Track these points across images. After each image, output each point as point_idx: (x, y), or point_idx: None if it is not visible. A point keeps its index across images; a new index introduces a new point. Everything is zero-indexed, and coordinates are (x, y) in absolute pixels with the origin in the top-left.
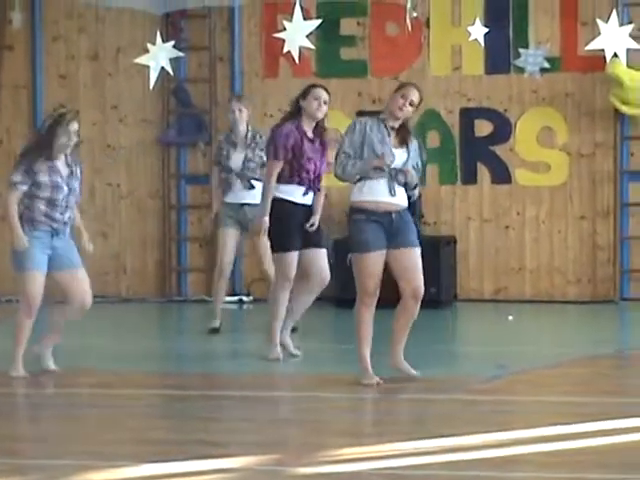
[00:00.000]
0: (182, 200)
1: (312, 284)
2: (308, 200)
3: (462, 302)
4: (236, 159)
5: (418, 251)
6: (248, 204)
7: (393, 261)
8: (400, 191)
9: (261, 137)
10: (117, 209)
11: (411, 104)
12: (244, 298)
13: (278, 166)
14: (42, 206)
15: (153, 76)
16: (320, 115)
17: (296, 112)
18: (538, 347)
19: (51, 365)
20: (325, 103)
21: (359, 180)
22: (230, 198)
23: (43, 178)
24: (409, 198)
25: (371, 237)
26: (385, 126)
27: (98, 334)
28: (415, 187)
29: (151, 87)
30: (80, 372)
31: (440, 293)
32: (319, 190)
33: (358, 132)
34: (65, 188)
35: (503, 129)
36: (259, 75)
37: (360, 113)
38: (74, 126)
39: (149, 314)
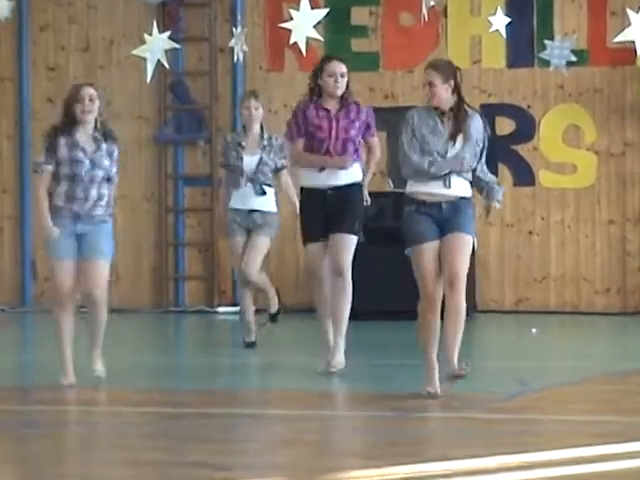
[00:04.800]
0: (180, 203)
1: (328, 275)
2: (329, 181)
3: (481, 313)
4: (249, 161)
5: (464, 237)
6: (258, 211)
7: (441, 250)
8: (456, 182)
9: (277, 140)
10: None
11: (430, 85)
12: None
13: (294, 148)
14: (64, 185)
15: (150, 69)
16: (339, 92)
17: (315, 89)
18: (562, 362)
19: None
20: (343, 76)
21: (411, 177)
22: (238, 204)
23: (62, 153)
24: (497, 202)
25: (422, 228)
26: (436, 114)
27: (89, 348)
28: (490, 191)
29: (148, 81)
30: (69, 388)
31: None
32: (345, 154)
33: (410, 132)
34: (87, 162)
35: (526, 127)
36: (263, 68)
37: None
38: (87, 90)
39: (143, 326)
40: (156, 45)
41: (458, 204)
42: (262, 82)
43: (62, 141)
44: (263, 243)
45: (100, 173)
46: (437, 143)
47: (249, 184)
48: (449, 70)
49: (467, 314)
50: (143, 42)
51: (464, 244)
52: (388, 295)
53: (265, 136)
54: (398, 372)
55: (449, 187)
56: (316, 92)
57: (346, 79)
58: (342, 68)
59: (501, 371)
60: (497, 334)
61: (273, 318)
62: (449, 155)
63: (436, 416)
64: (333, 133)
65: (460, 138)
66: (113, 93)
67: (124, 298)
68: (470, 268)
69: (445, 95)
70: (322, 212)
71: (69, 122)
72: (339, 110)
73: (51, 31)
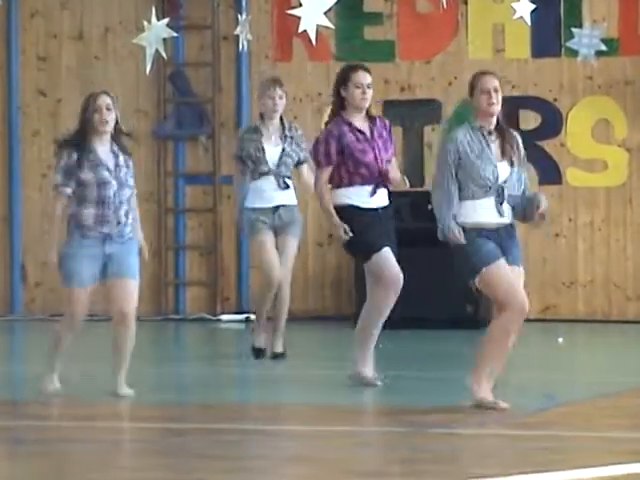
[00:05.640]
0: (180, 203)
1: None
2: (380, 201)
3: None
4: (272, 153)
5: (521, 271)
6: (283, 205)
7: None
8: (507, 208)
9: (297, 130)
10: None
11: (496, 91)
12: (252, 316)
13: (325, 174)
14: (91, 209)
15: (149, 59)
16: (366, 104)
17: (339, 104)
18: (592, 374)
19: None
20: (369, 87)
21: (460, 199)
22: (260, 202)
23: (86, 175)
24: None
25: (490, 247)
26: (482, 134)
27: (83, 358)
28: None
29: (147, 72)
30: (64, 402)
31: (478, 312)
32: (388, 183)
33: (453, 153)
34: (114, 182)
35: (552, 121)
36: (270, 58)
37: (387, 103)
38: (103, 99)
39: (142, 334)
40: (154, 33)
41: (510, 230)
42: (268, 73)
43: (83, 161)
44: (293, 246)
45: (128, 192)
46: (486, 169)
47: (272, 178)
48: (499, 81)
49: (488, 323)
50: (141, 30)
51: (522, 277)
52: (401, 302)
53: (286, 125)
54: (416, 385)
55: (503, 216)
56: (340, 106)
57: (371, 92)
58: (369, 79)
59: (526, 384)
60: (522, 344)
61: (265, 354)
62: (500, 181)
63: (458, 432)
64: (377, 155)
65: (507, 162)
66: (109, 85)
67: None
68: None
69: None
70: (379, 227)
71: (83, 134)
72: (372, 131)
73: (42, 18)
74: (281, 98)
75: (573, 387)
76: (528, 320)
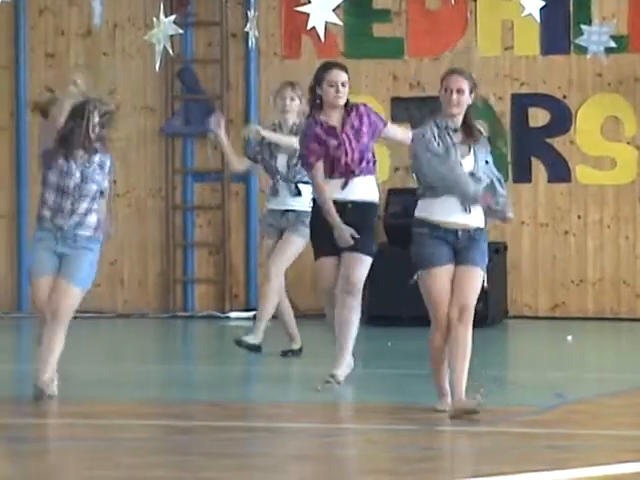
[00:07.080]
0: (188, 200)
1: (337, 292)
2: (350, 194)
3: (514, 320)
4: (282, 158)
5: (477, 271)
6: (293, 210)
7: (453, 279)
8: (477, 209)
9: None
10: (113, 210)
11: (459, 92)
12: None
13: (317, 171)
14: (51, 195)
15: (158, 56)
16: (341, 102)
17: (315, 102)
18: (601, 372)
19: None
20: (344, 85)
21: (426, 195)
22: (273, 204)
23: (58, 163)
24: (504, 218)
25: (437, 250)
26: (448, 132)
27: (90, 355)
28: (501, 206)
29: (157, 68)
30: (68, 400)
31: (488, 309)
32: (362, 173)
33: (425, 147)
34: (77, 175)
35: (562, 119)
36: (278, 55)
37: (395, 99)
38: (94, 119)
39: (149, 332)
40: (162, 30)
41: (474, 234)
42: (277, 70)
43: (59, 153)
44: (293, 243)
45: (94, 187)
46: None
47: (283, 184)
48: (472, 82)
49: (499, 321)
50: (149, 27)
51: (477, 277)
52: (410, 300)
53: (295, 129)
54: (420, 382)
55: (469, 213)
56: (317, 106)
57: (347, 88)
58: (343, 77)
59: (535, 382)
60: (531, 342)
61: (285, 353)
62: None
63: (466, 430)
64: (347, 147)
65: (471, 157)
66: (117, 82)
67: (129, 302)
68: (501, 270)
69: (465, 107)
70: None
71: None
72: (343, 123)
73: (50, 14)
74: (292, 99)
75: (582, 385)
76: (537, 318)
